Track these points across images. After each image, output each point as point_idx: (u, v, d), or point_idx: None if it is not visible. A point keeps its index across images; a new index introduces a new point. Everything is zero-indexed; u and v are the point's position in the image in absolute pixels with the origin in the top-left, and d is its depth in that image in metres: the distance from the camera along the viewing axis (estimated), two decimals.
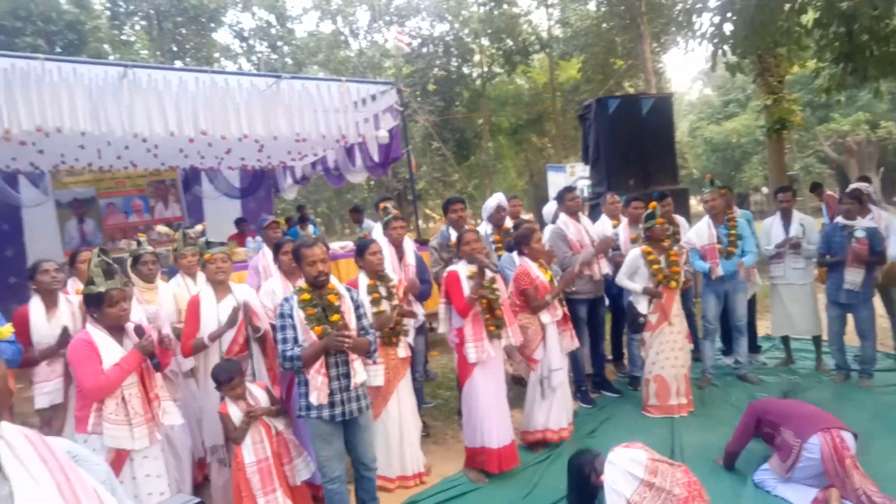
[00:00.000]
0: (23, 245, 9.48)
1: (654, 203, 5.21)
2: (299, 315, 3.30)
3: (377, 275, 4.16)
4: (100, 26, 20.01)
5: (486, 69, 25.68)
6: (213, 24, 23.96)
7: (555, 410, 4.57)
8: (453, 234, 5.15)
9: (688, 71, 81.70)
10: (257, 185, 11.36)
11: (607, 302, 5.91)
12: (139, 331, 3.18)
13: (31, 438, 0.99)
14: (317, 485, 3.89)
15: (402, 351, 4.18)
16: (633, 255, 5.14)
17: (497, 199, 5.55)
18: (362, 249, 4.15)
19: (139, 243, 4.34)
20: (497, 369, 4.29)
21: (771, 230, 5.89)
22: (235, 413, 3.43)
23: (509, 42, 24.42)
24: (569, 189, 5.79)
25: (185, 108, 6.56)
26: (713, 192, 5.65)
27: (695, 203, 15.41)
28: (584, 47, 21.83)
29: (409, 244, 5.12)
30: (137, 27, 23.28)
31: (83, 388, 3.07)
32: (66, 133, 6.08)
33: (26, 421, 4.63)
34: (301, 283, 3.47)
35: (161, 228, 8.17)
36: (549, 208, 6.55)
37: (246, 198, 11.40)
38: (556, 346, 4.53)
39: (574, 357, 5.22)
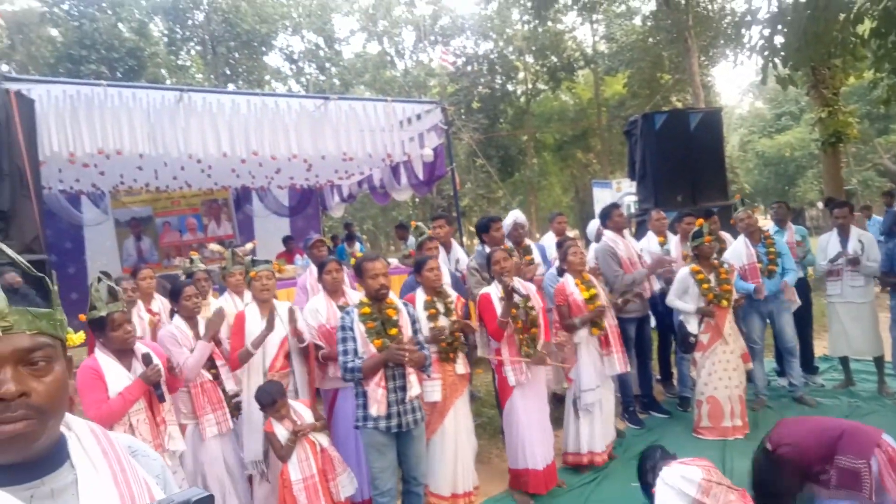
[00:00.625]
0: (84, 262, 9.91)
1: (700, 220, 5.11)
2: (360, 328, 3.38)
3: (435, 291, 4.18)
4: (158, 52, 20.93)
5: (530, 86, 25.74)
6: (264, 48, 24.77)
7: (588, 432, 4.50)
8: None
9: (738, 84, 80.00)
10: (305, 203, 11.61)
11: (654, 320, 5.79)
12: (147, 359, 3.14)
13: (95, 432, 1.09)
14: (358, 502, 3.93)
15: (461, 367, 4.15)
16: (682, 274, 5.03)
17: (514, 216, 5.54)
18: (420, 266, 4.19)
19: (192, 261, 4.48)
20: (538, 388, 4.26)
21: (827, 247, 5.69)
22: (281, 432, 3.47)
23: (554, 58, 24.43)
24: (614, 206, 5.72)
25: (237, 129, 6.79)
26: (746, 211, 5.59)
27: None
28: (630, 62, 21.66)
29: (444, 262, 5.13)
30: (193, 52, 24.26)
31: (88, 416, 3.08)
32: (125, 155, 6.37)
33: None
34: (362, 296, 3.54)
35: (213, 246, 8.43)
36: (593, 226, 6.48)
37: (294, 216, 11.65)
38: (590, 367, 4.47)
39: (621, 377, 5.14)
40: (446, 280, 4.71)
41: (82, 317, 3.59)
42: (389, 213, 26.43)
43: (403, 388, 3.38)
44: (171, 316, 4.04)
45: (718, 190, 8.15)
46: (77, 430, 1.07)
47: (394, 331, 3.39)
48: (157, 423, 3.18)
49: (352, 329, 3.40)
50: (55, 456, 1.01)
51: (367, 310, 3.45)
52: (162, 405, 3.22)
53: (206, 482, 3.67)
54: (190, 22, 22.74)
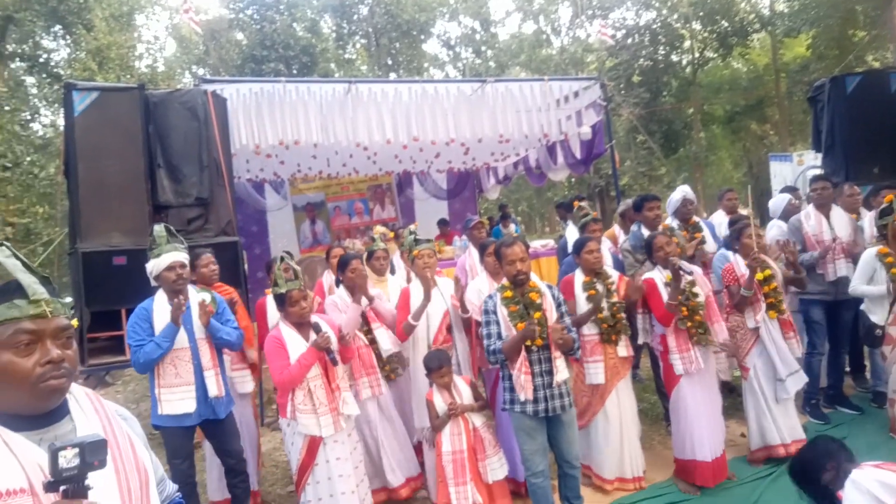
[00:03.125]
0: (268, 244, 10.98)
1: (891, 196, 4.46)
2: (502, 312, 3.42)
3: (594, 272, 4.12)
4: (327, 48, 22.38)
5: (697, 55, 24.00)
6: (422, 36, 25.51)
7: (777, 423, 4.17)
8: (646, 234, 4.93)
9: None
10: (463, 186, 11.89)
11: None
12: (316, 328, 3.44)
13: (89, 395, 1.43)
14: (518, 480, 4.00)
15: (623, 350, 4.07)
16: (868, 256, 4.43)
17: (683, 191, 5.21)
18: (580, 247, 4.16)
19: (374, 240, 4.77)
20: (708, 378, 4.04)
21: None
22: (439, 403, 3.63)
23: (724, 23, 22.51)
24: (819, 178, 5.18)
25: (399, 116, 7.11)
26: None
27: None
28: (816, 20, 19.31)
29: (605, 245, 4.99)
30: (358, 45, 25.64)
31: (274, 381, 3.48)
32: (302, 145, 6.95)
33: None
34: (504, 281, 3.57)
35: (379, 228, 8.93)
36: (778, 202, 5.95)
37: (452, 199, 11.99)
38: (783, 353, 4.12)
39: (808, 365, 4.71)
40: (608, 262, 4.60)
41: (267, 291, 4.00)
42: (544, 194, 26.18)
43: (550, 373, 3.35)
44: (337, 285, 4.36)
45: None
46: (75, 392, 1.39)
47: (537, 314, 3.37)
48: (332, 389, 3.47)
49: (495, 313, 3.44)
50: (60, 410, 1.34)
51: (509, 293, 3.46)
52: (336, 372, 3.51)
53: (364, 441, 3.95)
54: (355, 16, 24.02)
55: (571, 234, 5.24)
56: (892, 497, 2.35)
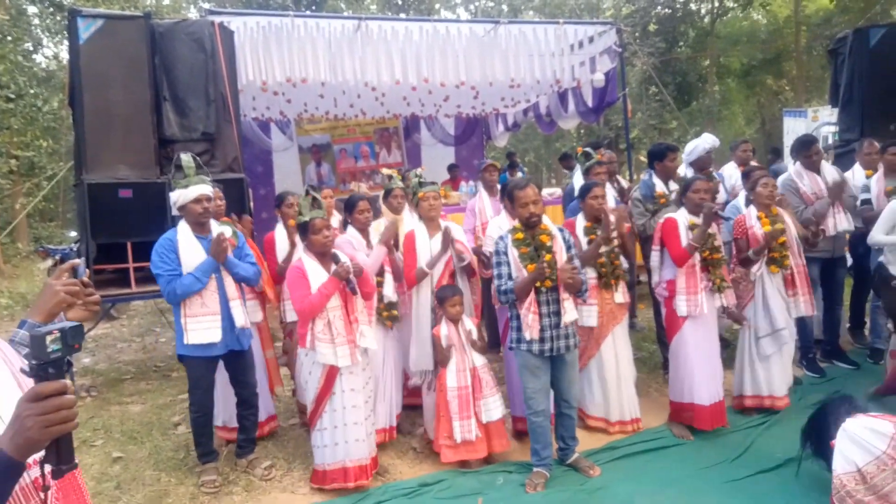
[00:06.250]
0: (273, 185, 10.92)
1: None
2: (513, 253, 3.45)
3: (597, 219, 4.11)
4: None
5: (717, 4, 23.26)
6: None
7: (766, 375, 4.24)
8: (658, 185, 4.89)
9: None
10: (470, 132, 11.73)
11: (850, 263, 5.21)
12: (335, 258, 3.49)
13: None
14: (519, 417, 4.09)
15: (620, 296, 4.11)
16: (892, 208, 4.40)
17: (710, 140, 5.11)
18: (585, 192, 4.14)
19: (391, 178, 4.72)
20: (709, 324, 4.08)
21: None
22: (445, 336, 3.74)
23: None
24: (810, 141, 5.09)
25: (409, 56, 6.98)
26: None
27: None
28: None
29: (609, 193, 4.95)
30: None
31: (295, 310, 3.53)
32: (309, 83, 6.84)
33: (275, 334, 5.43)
34: (516, 222, 3.57)
35: (385, 171, 8.86)
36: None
37: (460, 145, 11.86)
38: (776, 306, 4.15)
39: (801, 320, 4.75)
40: (612, 207, 4.58)
41: (292, 222, 4.00)
42: (552, 145, 25.82)
43: (558, 314, 3.41)
44: (345, 228, 4.35)
45: None
46: None
47: (548, 256, 3.39)
48: (351, 322, 3.52)
49: (506, 254, 3.47)
50: None
51: (520, 235, 3.49)
52: (356, 304, 3.55)
53: None
54: None
55: (578, 180, 5.19)
56: (882, 441, 2.41)
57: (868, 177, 5.18)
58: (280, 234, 4.63)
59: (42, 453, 1.14)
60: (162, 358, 6.62)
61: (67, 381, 1.12)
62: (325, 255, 3.53)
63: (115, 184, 5.27)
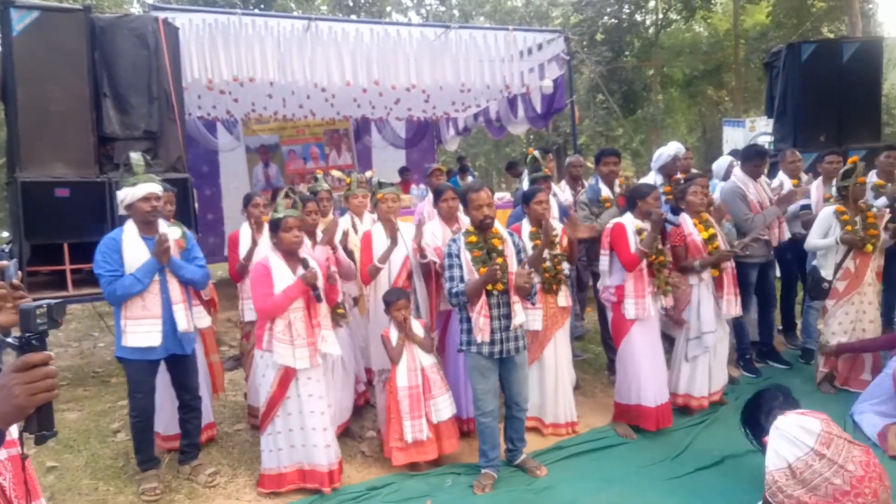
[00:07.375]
0: (219, 186, 10.67)
1: (855, 157, 4.66)
2: (466, 256, 3.49)
3: (540, 223, 4.18)
4: None
5: (661, 16, 23.99)
6: None
7: (698, 377, 4.39)
8: (604, 189, 5.03)
9: None
10: (421, 135, 11.75)
11: (778, 269, 5.45)
12: (304, 263, 3.46)
13: None
14: (464, 419, 4.12)
15: (563, 300, 4.20)
16: (826, 213, 4.64)
17: (675, 147, 5.29)
18: (529, 198, 4.20)
19: (316, 180, 4.72)
20: (654, 327, 4.21)
21: None
22: (395, 339, 3.76)
23: None
24: (761, 153, 5.30)
25: (360, 58, 6.95)
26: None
27: None
28: None
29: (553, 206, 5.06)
30: None
31: (255, 308, 3.49)
32: (257, 82, 6.72)
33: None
34: (467, 225, 3.60)
35: (336, 173, 8.79)
36: (721, 163, 6.10)
37: (410, 148, 11.85)
38: (706, 310, 4.30)
39: (739, 323, 4.95)
40: (555, 214, 4.68)
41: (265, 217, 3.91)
42: (502, 149, 26.11)
43: (508, 317, 3.46)
44: None
45: (869, 131, 7.35)
46: None
47: (500, 259, 3.45)
48: (314, 325, 3.49)
49: (458, 256, 3.50)
50: None
51: (473, 238, 3.53)
52: (319, 309, 3.52)
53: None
54: None
55: (527, 185, 5.27)
56: (811, 438, 2.53)
57: (794, 185, 5.44)
58: (245, 233, 4.59)
59: (21, 424, 1.22)
60: (100, 363, 6.37)
61: (50, 352, 1.20)
62: (292, 255, 3.49)
63: (50, 182, 5.06)
